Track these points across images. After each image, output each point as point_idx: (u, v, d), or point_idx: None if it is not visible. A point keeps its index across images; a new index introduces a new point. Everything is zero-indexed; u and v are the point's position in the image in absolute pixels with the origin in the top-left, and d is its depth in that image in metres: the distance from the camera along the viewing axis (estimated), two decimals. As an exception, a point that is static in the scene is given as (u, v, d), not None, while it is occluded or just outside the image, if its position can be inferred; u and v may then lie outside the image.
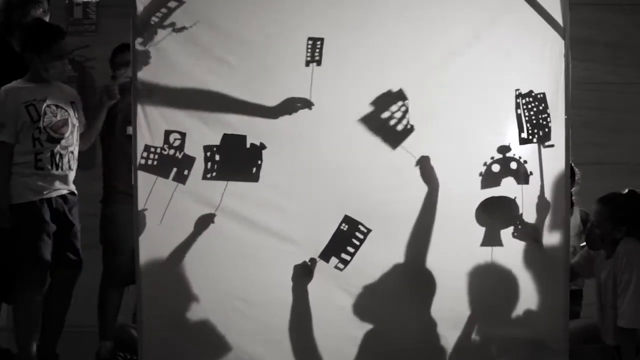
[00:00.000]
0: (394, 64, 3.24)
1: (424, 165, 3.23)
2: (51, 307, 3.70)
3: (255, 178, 3.21)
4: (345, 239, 3.23)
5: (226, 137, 3.21)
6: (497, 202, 3.28)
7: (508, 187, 3.29)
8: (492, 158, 3.28)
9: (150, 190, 3.18)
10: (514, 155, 3.29)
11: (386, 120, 3.24)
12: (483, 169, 3.28)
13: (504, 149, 3.29)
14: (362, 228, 3.23)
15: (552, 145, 3.29)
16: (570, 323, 3.36)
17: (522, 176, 3.29)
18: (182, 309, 3.21)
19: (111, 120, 3.95)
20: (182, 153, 3.20)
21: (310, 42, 3.19)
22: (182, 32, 3.16)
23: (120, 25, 3.52)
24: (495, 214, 3.28)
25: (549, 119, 3.29)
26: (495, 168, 3.29)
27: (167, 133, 3.18)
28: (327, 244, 3.23)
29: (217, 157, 3.20)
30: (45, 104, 3.64)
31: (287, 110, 3.21)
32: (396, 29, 3.23)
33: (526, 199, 3.29)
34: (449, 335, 3.28)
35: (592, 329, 3.62)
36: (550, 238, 3.31)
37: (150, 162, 3.18)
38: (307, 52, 3.20)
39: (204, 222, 3.20)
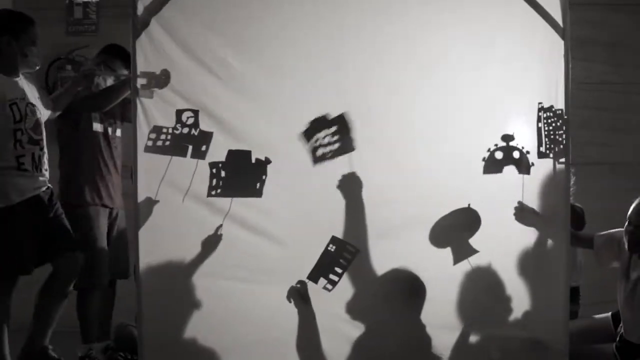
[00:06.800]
0: (390, 65, 3.21)
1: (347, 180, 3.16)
2: (53, 295, 3.57)
3: (258, 193, 3.17)
4: (333, 260, 3.19)
5: (231, 153, 3.15)
6: (454, 215, 3.23)
7: (510, 175, 3.28)
8: (496, 145, 3.27)
9: (165, 172, 3.09)
10: (517, 144, 3.28)
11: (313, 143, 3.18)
12: (486, 154, 3.27)
13: (507, 138, 3.27)
14: (349, 248, 3.19)
15: (564, 163, 3.29)
16: (569, 323, 3.35)
17: (524, 166, 3.27)
18: (183, 312, 3.19)
19: (72, 115, 3.88)
20: (197, 130, 3.12)
21: None
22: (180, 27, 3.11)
23: (120, 25, 3.52)
24: (457, 224, 3.23)
25: (564, 136, 3.28)
26: (499, 155, 3.28)
27: (179, 112, 3.11)
28: (315, 265, 3.18)
29: (223, 174, 3.14)
30: (25, 103, 3.52)
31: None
32: (392, 31, 3.19)
33: (527, 190, 3.27)
34: (441, 337, 3.24)
35: (592, 329, 3.62)
36: (550, 237, 3.31)
37: (161, 142, 3.09)
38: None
39: (212, 242, 3.15)
